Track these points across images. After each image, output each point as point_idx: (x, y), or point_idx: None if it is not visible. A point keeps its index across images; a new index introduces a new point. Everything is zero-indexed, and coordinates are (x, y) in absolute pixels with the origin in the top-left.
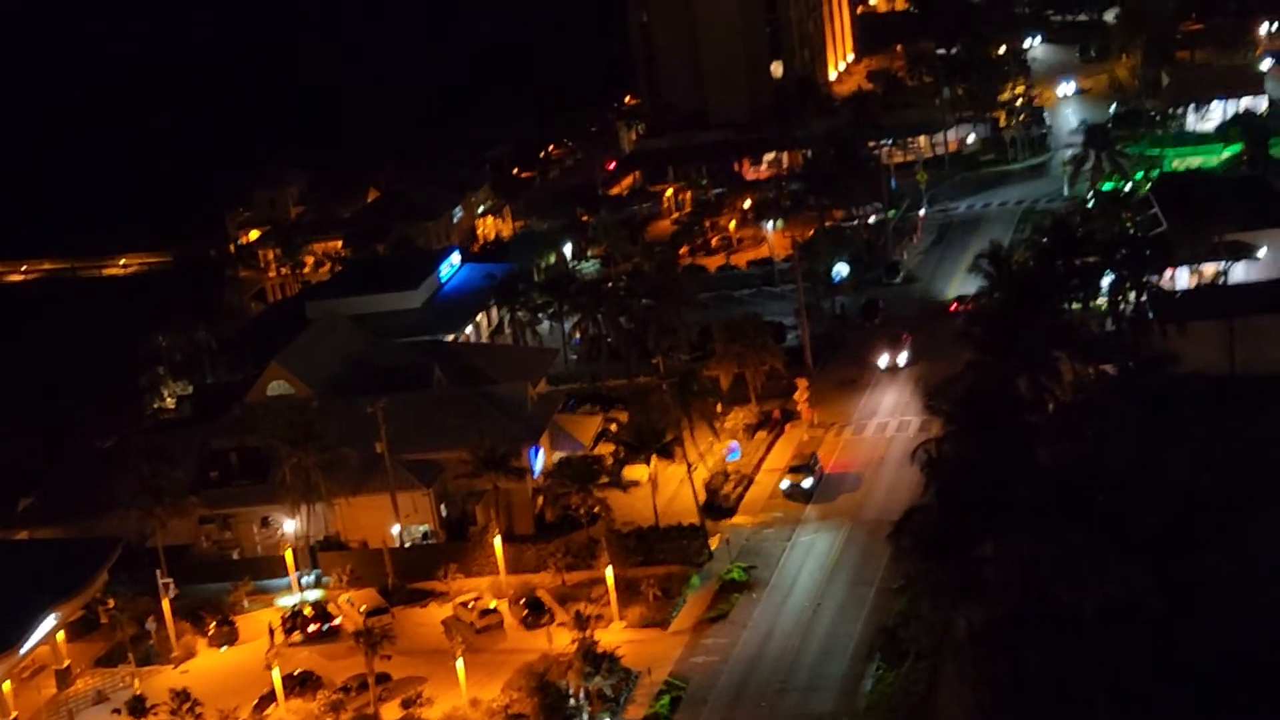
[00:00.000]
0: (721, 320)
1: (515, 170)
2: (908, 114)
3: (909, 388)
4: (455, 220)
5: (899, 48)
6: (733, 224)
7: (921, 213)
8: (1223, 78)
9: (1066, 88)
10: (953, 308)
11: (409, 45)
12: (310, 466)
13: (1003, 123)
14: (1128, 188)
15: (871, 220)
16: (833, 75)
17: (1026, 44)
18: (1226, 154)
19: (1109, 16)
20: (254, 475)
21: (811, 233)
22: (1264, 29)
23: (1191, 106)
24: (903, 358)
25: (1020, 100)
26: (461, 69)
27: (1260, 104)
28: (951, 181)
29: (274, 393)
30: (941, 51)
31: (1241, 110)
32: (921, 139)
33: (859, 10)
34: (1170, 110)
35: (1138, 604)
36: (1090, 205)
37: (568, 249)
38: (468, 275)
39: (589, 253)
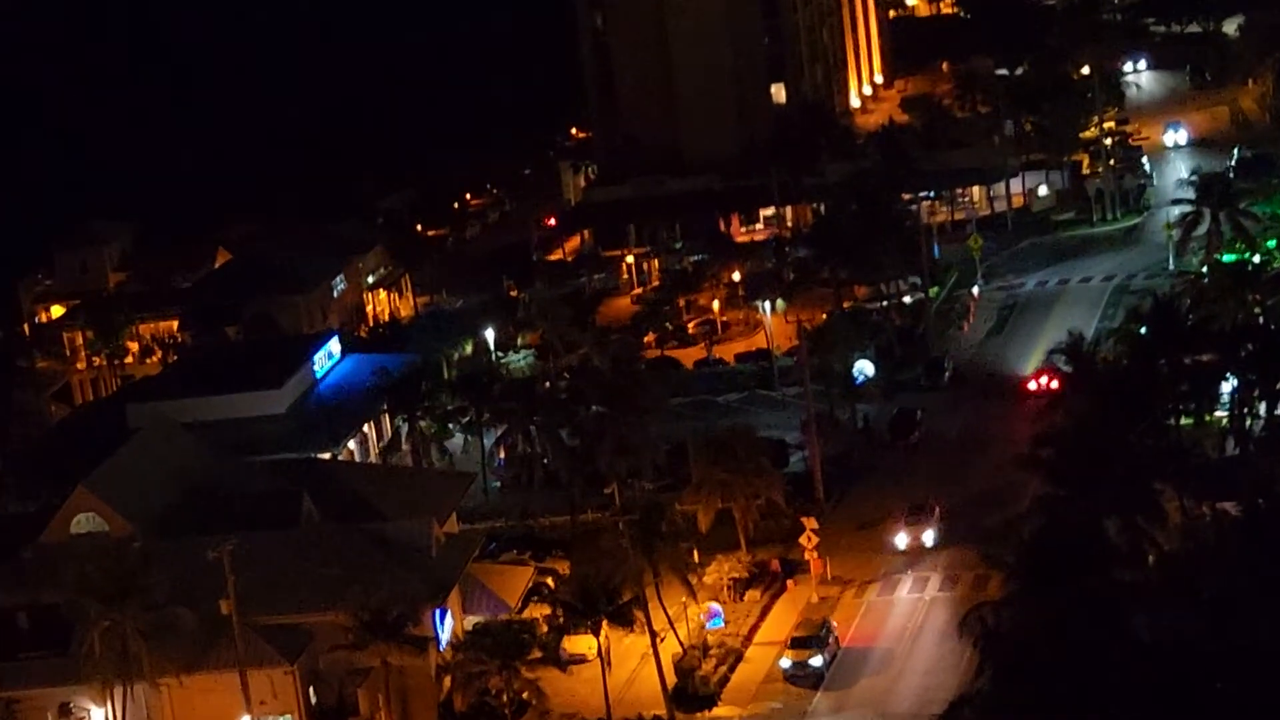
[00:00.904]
0: (701, 435)
1: (420, 227)
2: (956, 156)
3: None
4: (336, 294)
5: (945, 66)
6: (717, 303)
7: (975, 291)
8: None
9: (1172, 125)
10: (1032, 384)
11: (276, 43)
12: (129, 632)
13: (1086, 169)
14: (1256, 260)
15: (907, 300)
16: (855, 102)
17: (1124, 66)
18: None
19: (1230, 28)
20: (50, 644)
21: (825, 316)
22: None
23: None
24: (929, 535)
25: (1110, 140)
26: (350, 82)
27: None
28: (1016, 249)
29: (81, 530)
30: (1002, 72)
31: None
32: (975, 190)
33: (891, 15)
34: None
35: None
36: (1205, 283)
37: (490, 335)
38: (352, 370)
39: (519, 341)
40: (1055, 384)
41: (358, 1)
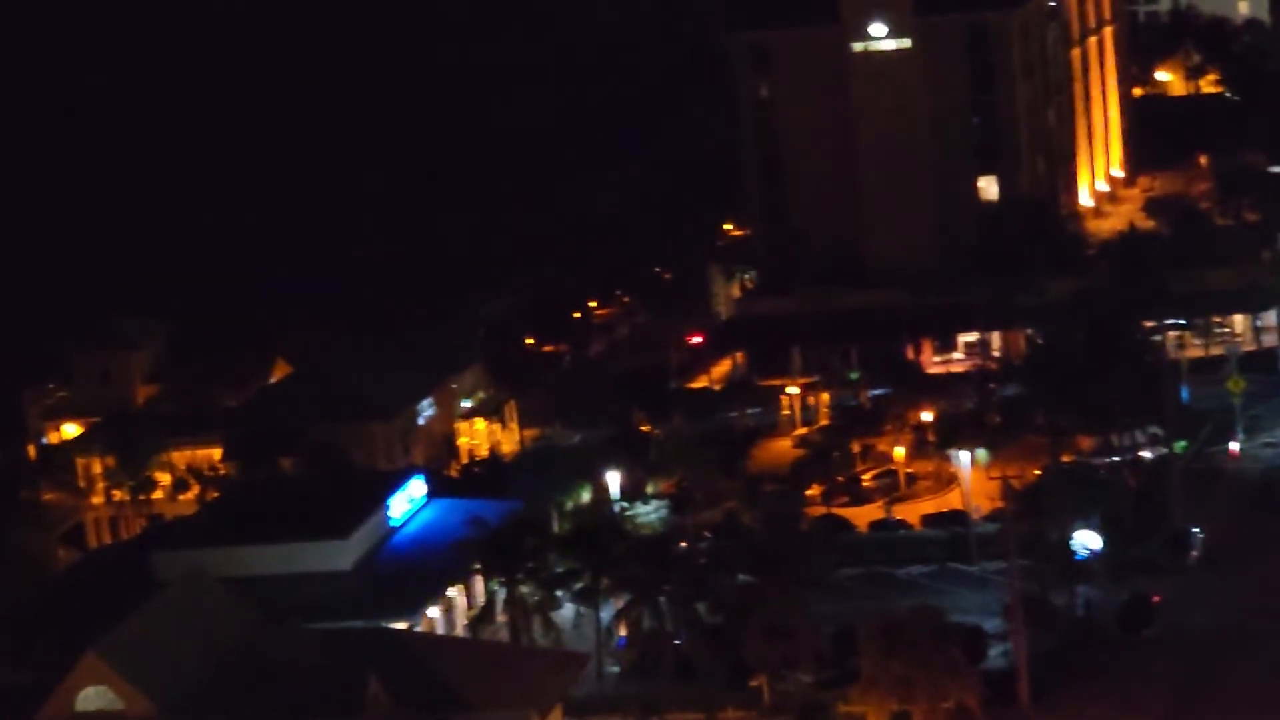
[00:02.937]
0: (875, 617)
1: (529, 340)
2: (1215, 275)
3: None
4: (421, 422)
5: (1202, 160)
6: (901, 450)
7: (1234, 447)
8: None
9: None
10: None
11: (366, 104)
12: None
13: None
14: None
15: (1145, 456)
16: (1087, 201)
17: None
18: None
19: None
20: None
21: (1038, 473)
22: None
23: None
24: None
25: None
26: (445, 152)
27: None
28: None
29: (88, 707)
30: (1277, 170)
31: None
32: (1238, 319)
33: (1137, 93)
34: None
35: None
36: None
37: (614, 480)
38: (438, 518)
39: (650, 489)
40: None
41: (461, 63)
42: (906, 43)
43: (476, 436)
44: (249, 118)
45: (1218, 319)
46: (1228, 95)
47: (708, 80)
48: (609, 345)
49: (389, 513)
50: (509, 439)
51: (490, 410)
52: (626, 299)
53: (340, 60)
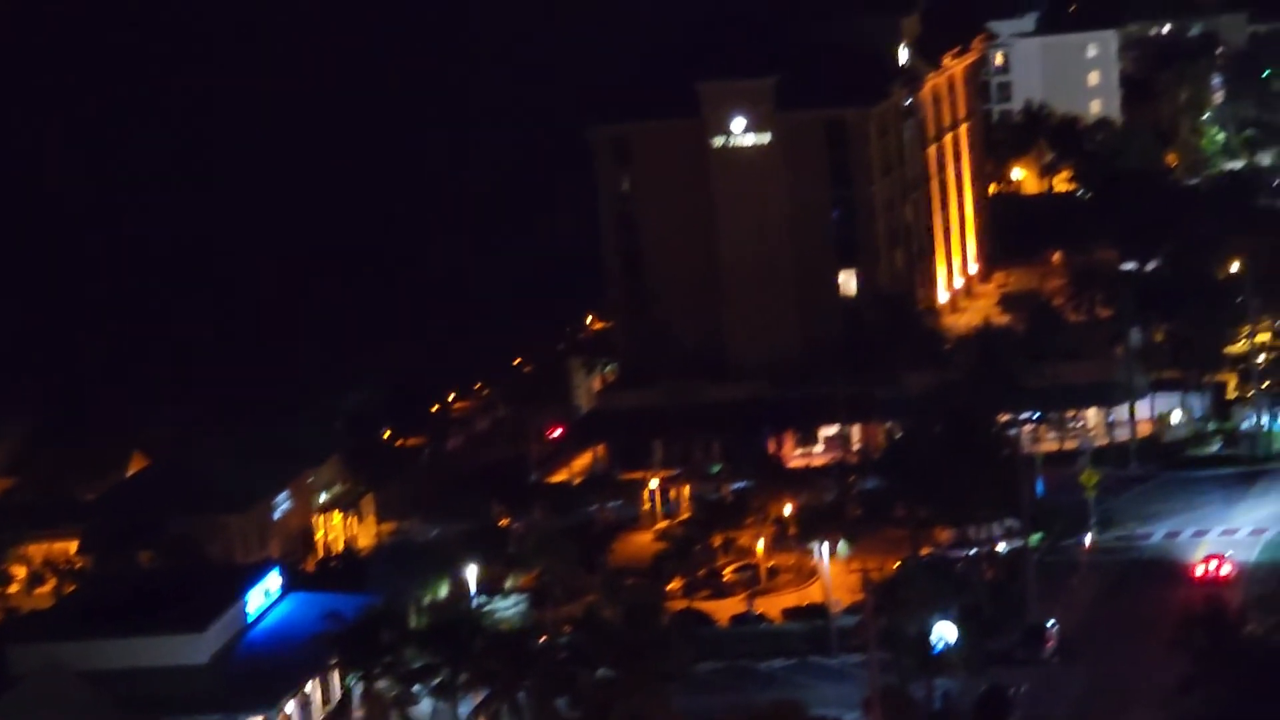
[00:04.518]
0: (736, 712)
1: (387, 433)
2: (1069, 370)
3: None
4: (278, 515)
5: (1057, 257)
6: (762, 544)
7: (1087, 540)
8: None
9: None
10: (1199, 570)
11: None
12: None
13: (1233, 392)
14: None
15: (1001, 549)
16: (944, 296)
17: None
18: None
19: None
20: None
21: (898, 565)
22: None
23: None
24: None
25: (1266, 356)
26: (295, 238)
27: None
28: (1141, 489)
29: None
30: (1130, 267)
31: None
32: (1091, 413)
33: (992, 190)
34: None
35: None
36: None
37: (472, 575)
38: (295, 612)
39: (509, 583)
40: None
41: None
42: (766, 138)
43: (334, 530)
44: (114, 209)
45: (1072, 413)
46: (1080, 193)
47: (572, 172)
48: (468, 438)
49: (246, 606)
50: (367, 533)
51: (348, 503)
52: (486, 391)
53: (208, 148)
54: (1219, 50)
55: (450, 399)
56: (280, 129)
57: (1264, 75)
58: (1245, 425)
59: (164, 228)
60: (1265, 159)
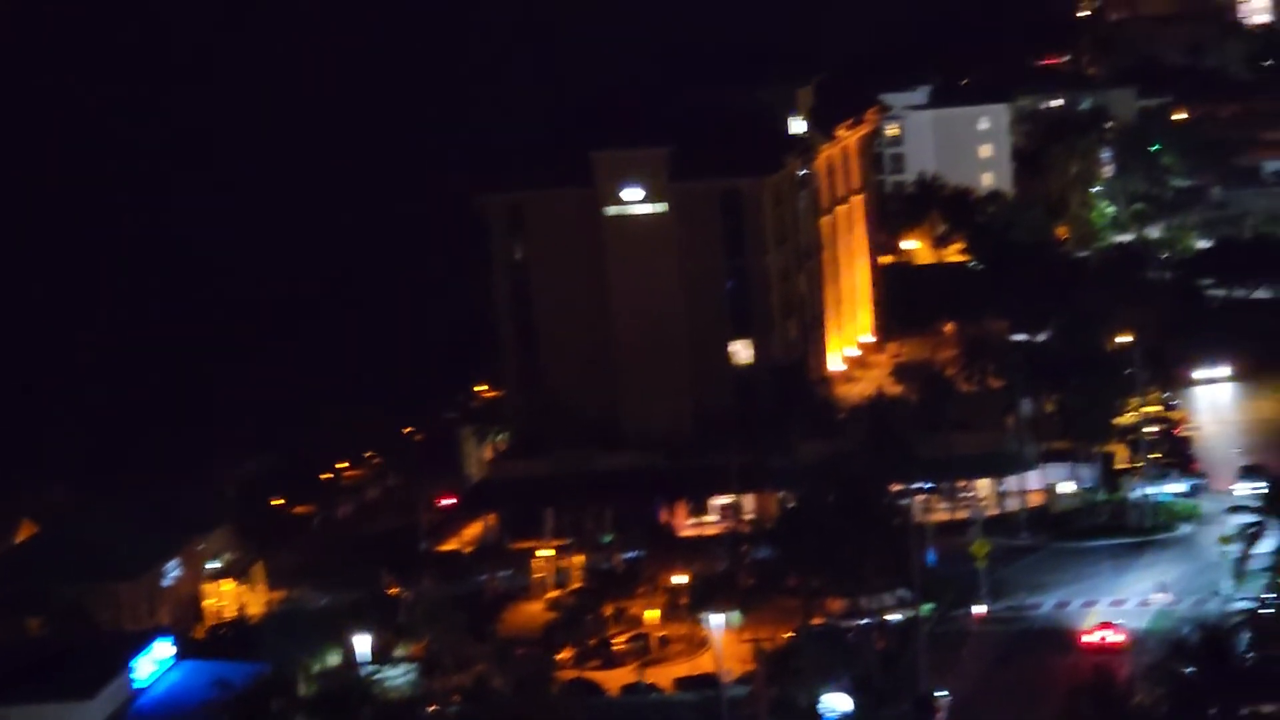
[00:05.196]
0: None
1: (278, 502)
2: (961, 440)
3: None
4: (168, 583)
5: (948, 328)
6: (653, 614)
7: (978, 609)
8: None
9: (1227, 405)
10: (1089, 640)
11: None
12: None
13: (1122, 462)
14: None
15: (893, 618)
16: (837, 366)
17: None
18: None
19: None
20: None
21: (789, 635)
22: None
23: None
24: None
25: (1153, 427)
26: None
27: None
28: (1031, 559)
29: None
30: (1021, 338)
31: None
32: (983, 483)
33: (884, 261)
34: None
35: None
36: (1270, 614)
37: (362, 643)
38: (184, 681)
39: (399, 652)
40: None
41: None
42: (661, 207)
43: (224, 598)
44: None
45: (963, 483)
46: (972, 264)
47: (465, 241)
48: (359, 506)
49: (134, 674)
50: (257, 600)
51: (238, 571)
52: (377, 460)
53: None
54: (1108, 125)
55: (341, 467)
56: (173, 191)
57: (1152, 149)
58: (1133, 496)
59: (52, 286)
60: (1154, 232)
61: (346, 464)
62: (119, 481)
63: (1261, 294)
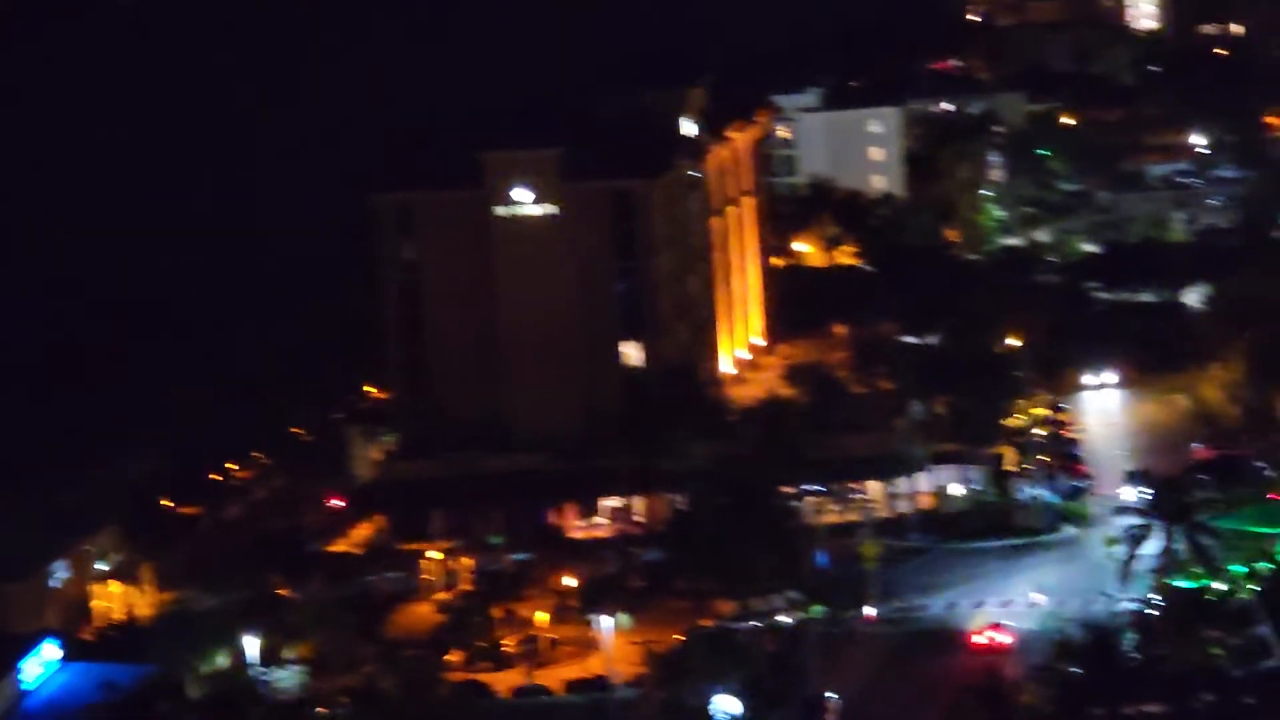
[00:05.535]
0: None
1: (166, 503)
2: (851, 442)
3: None
4: (55, 584)
5: (839, 330)
6: (543, 616)
7: (867, 612)
8: None
9: (1114, 408)
10: (977, 641)
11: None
12: None
13: (1010, 464)
14: (1217, 587)
15: (783, 620)
16: (728, 368)
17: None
18: None
19: (1192, 299)
20: None
21: (679, 637)
22: None
23: None
24: None
25: (1040, 429)
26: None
27: None
28: (921, 561)
29: None
30: (911, 340)
31: None
32: (873, 486)
33: (776, 264)
34: None
35: None
36: (1154, 615)
37: (251, 644)
38: (71, 683)
39: (288, 653)
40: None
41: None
42: (551, 209)
43: (112, 599)
44: None
45: (854, 485)
46: (863, 266)
47: (355, 240)
48: (247, 507)
49: (21, 676)
50: (145, 602)
51: (126, 573)
52: (264, 460)
53: None
54: (998, 129)
55: (229, 468)
56: (53, 179)
57: (1041, 154)
58: (1022, 497)
59: None
60: (1042, 236)
61: (235, 464)
62: (4, 482)
63: (1146, 297)
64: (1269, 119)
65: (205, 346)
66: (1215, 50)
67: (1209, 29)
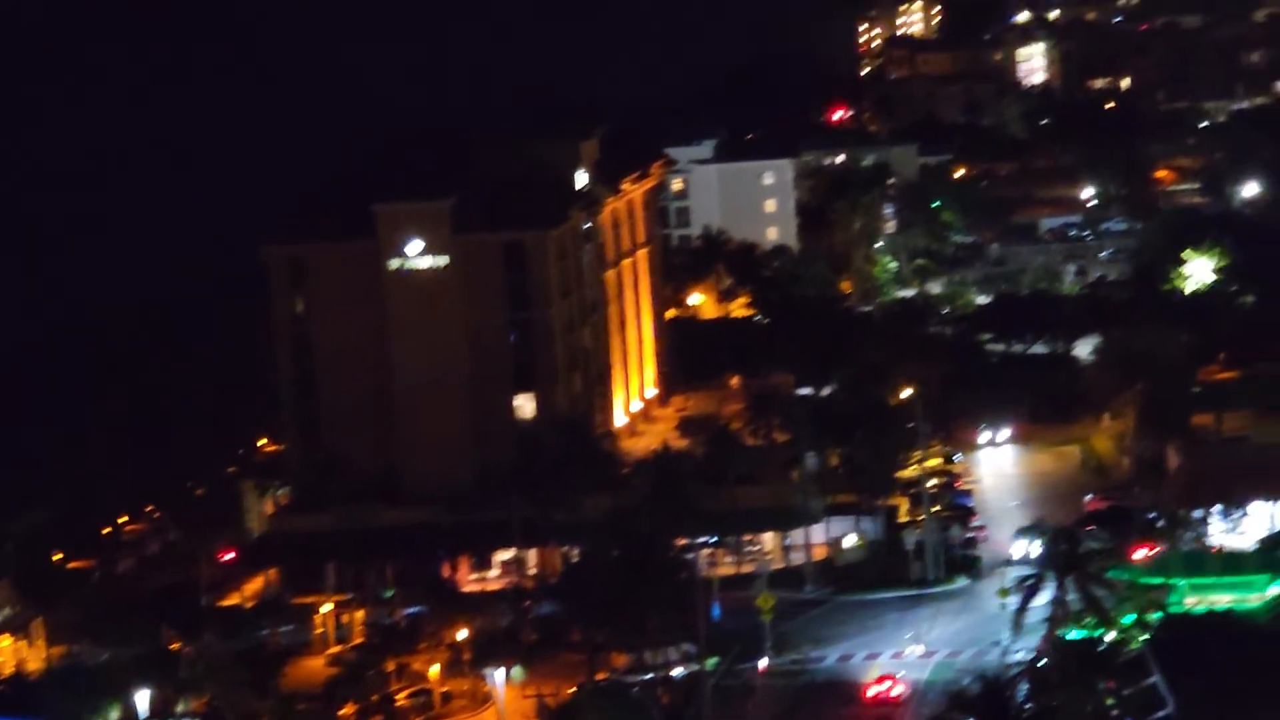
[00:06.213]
0: None
1: (58, 556)
2: (746, 494)
3: None
4: None
5: (734, 381)
6: (436, 669)
7: (762, 664)
8: (1270, 463)
9: (1006, 458)
10: (871, 692)
11: None
12: None
13: (904, 516)
14: (1110, 638)
15: (678, 673)
16: (622, 420)
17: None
18: (1275, 590)
19: (1083, 351)
20: None
21: (573, 690)
22: None
23: (1217, 509)
24: None
25: (934, 481)
26: None
27: None
28: (816, 613)
29: None
30: (806, 392)
31: None
32: (768, 537)
33: (670, 315)
34: (1181, 512)
35: None
36: (1046, 665)
37: (143, 699)
38: None
39: (180, 708)
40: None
41: None
42: (443, 260)
43: (2, 654)
44: None
45: (748, 537)
46: (758, 318)
47: (248, 292)
48: (139, 561)
49: None
50: (36, 656)
51: (16, 627)
52: (157, 514)
53: None
54: (891, 181)
55: (121, 521)
56: None
57: (933, 206)
58: (916, 549)
59: None
60: (935, 287)
61: (127, 518)
62: None
63: (1039, 349)
64: (1157, 172)
65: (99, 399)
66: (1104, 104)
67: (1098, 83)
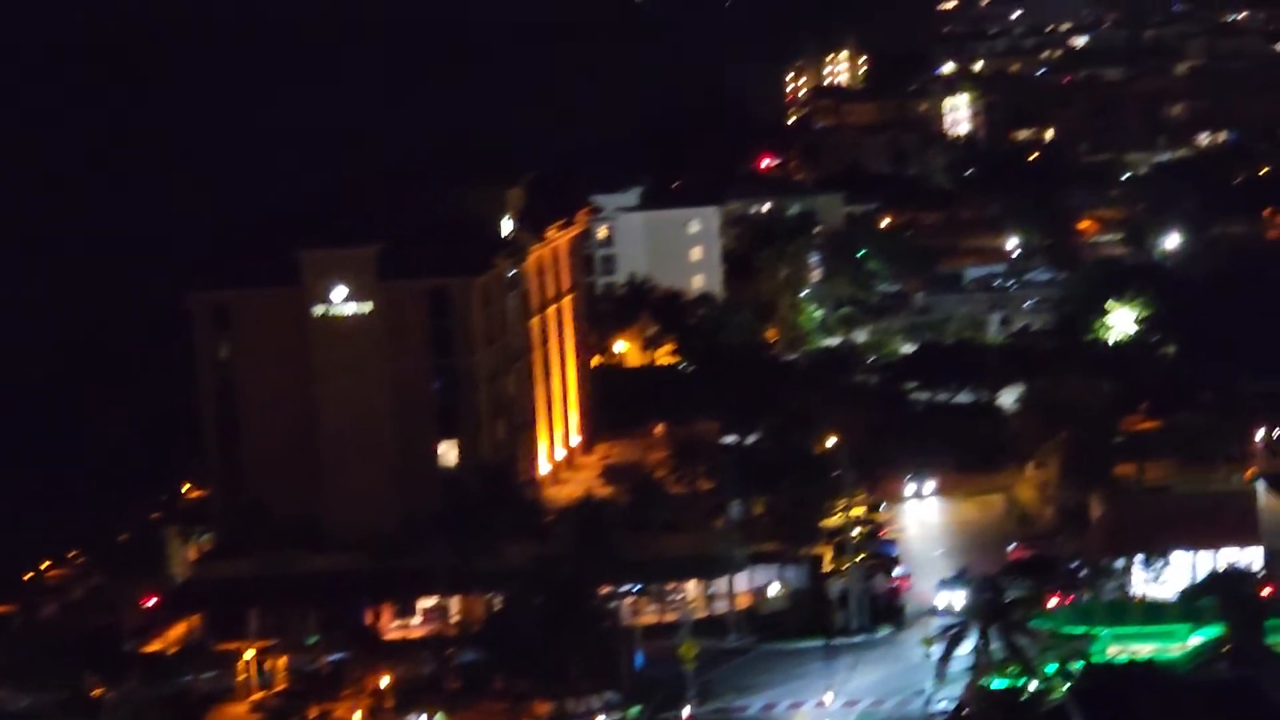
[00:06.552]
0: None
1: None
2: (670, 542)
3: None
4: None
5: (659, 429)
6: (359, 716)
7: (685, 713)
8: (1192, 513)
9: (931, 507)
10: None
11: None
12: None
13: (829, 565)
14: (1032, 687)
15: None
16: (546, 468)
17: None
18: (1196, 640)
19: (1007, 401)
20: None
21: None
22: (1261, 434)
23: (1139, 558)
24: None
25: (859, 529)
26: None
27: (1253, 558)
28: (740, 661)
29: None
30: (730, 440)
31: (1221, 568)
32: (691, 586)
33: (594, 362)
34: (1104, 562)
35: None
36: (969, 714)
37: None
38: None
39: None
40: None
41: None
42: (368, 307)
43: None
44: None
45: (672, 585)
46: (683, 366)
47: (172, 338)
48: (61, 606)
49: None
50: None
51: None
52: (79, 559)
53: None
54: (817, 229)
55: (44, 566)
56: None
57: (859, 254)
58: (840, 597)
59: None
60: (860, 336)
61: (50, 562)
62: None
63: (963, 398)
64: (1080, 223)
65: (20, 442)
66: (1028, 155)
67: (1022, 134)
